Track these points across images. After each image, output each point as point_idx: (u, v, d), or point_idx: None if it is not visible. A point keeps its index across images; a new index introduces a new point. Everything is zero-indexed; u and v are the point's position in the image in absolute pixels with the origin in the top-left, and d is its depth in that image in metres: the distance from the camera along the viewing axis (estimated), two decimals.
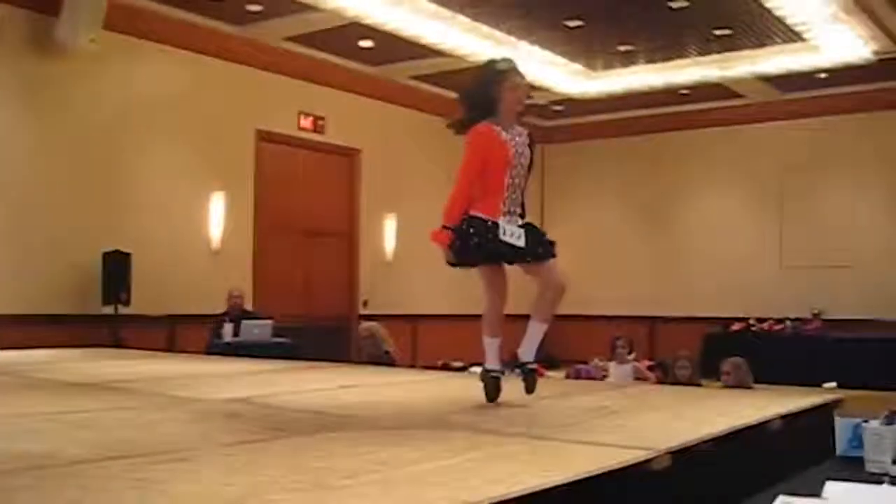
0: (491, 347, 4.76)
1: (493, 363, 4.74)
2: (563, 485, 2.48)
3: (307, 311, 11.87)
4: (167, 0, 10.24)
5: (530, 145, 4.46)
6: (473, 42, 11.50)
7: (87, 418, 3.96)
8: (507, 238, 4.32)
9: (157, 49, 10.52)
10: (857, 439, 3.25)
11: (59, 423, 3.80)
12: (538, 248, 4.40)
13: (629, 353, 9.38)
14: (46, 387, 5.32)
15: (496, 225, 4.31)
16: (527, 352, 4.71)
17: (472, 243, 4.36)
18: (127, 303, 9.66)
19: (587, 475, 2.59)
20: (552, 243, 4.47)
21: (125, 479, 2.56)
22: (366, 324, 8.96)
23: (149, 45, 10.43)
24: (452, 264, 4.61)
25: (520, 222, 4.40)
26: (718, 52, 12.16)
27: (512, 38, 11.62)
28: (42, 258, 9.42)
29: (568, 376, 8.93)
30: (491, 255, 4.45)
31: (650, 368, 9.77)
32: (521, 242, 4.35)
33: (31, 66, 9.50)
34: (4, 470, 2.64)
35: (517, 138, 4.41)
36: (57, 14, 9.36)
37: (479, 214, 4.35)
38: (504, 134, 4.37)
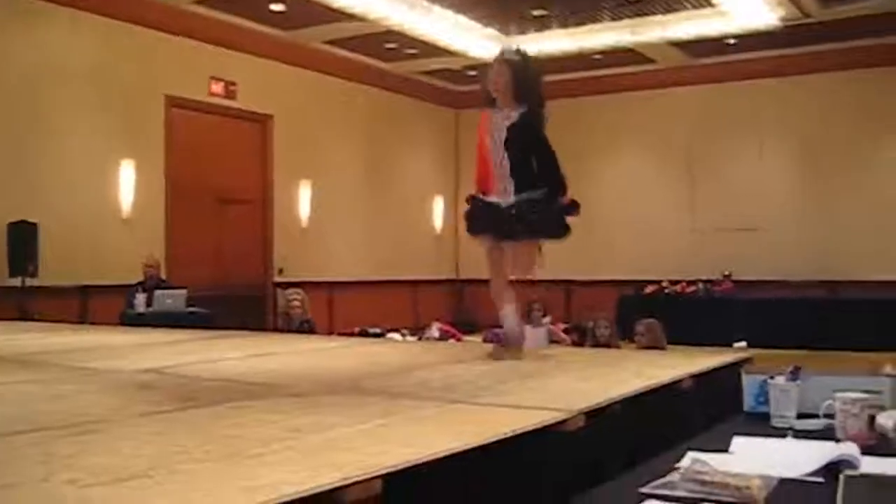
0: (503, 319, 4.85)
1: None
2: (478, 447, 2.49)
3: (222, 279, 11.74)
4: None
5: (514, 124, 4.67)
6: (386, 5, 11.42)
7: None
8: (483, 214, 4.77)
9: (64, 13, 10.25)
10: (763, 395, 3.32)
11: None
12: (503, 227, 4.69)
13: (543, 316, 9.47)
14: None
15: (483, 202, 4.78)
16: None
17: (467, 220, 4.92)
18: (34, 274, 9.44)
19: (502, 437, 2.60)
20: (521, 225, 4.65)
21: (32, 453, 2.50)
22: (293, 290, 8.93)
23: (56, 8, 10.17)
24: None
25: (510, 199, 4.66)
26: (630, 18, 12.28)
27: (425, 2, 11.56)
28: None
29: (485, 340, 8.99)
30: (478, 231, 4.86)
31: (566, 331, 9.89)
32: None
33: None
34: None
35: (499, 120, 4.73)
36: None
37: (475, 193, 4.90)
38: (493, 117, 4.77)
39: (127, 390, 3.87)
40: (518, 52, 4.89)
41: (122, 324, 9.15)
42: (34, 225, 9.50)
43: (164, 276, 10.39)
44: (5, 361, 5.12)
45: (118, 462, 2.36)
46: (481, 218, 4.79)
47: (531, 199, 4.64)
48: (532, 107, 4.75)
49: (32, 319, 9.05)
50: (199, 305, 9.58)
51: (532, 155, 4.71)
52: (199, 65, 11.84)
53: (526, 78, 4.73)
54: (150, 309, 9.35)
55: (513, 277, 4.88)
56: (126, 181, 10.85)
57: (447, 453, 2.38)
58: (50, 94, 10.19)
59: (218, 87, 12.08)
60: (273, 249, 12.90)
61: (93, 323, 9.45)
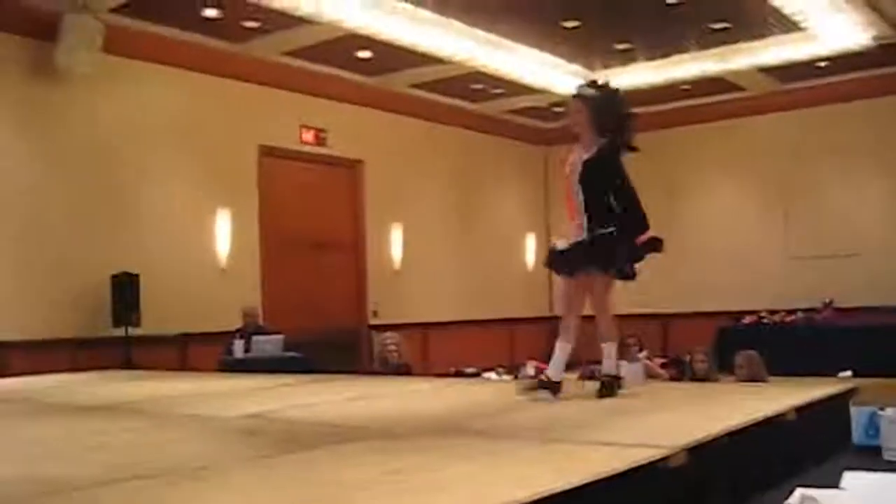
0: (556, 352, 4.78)
1: (549, 369, 4.83)
2: (579, 486, 2.47)
3: (317, 323, 11.86)
4: (164, 21, 10.27)
5: (589, 159, 4.70)
6: (471, 47, 11.53)
7: (102, 441, 3.96)
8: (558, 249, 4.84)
9: (156, 70, 10.55)
10: (873, 428, 3.23)
11: (74, 446, 3.81)
12: (570, 261, 4.77)
13: (640, 350, 9.35)
14: (60, 411, 5.32)
15: (562, 241, 4.85)
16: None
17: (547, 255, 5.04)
18: (137, 324, 9.68)
19: (603, 476, 2.58)
20: (577, 259, 4.72)
21: (142, 501, 2.56)
22: (389, 334, 8.98)
23: (147, 66, 10.46)
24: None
25: (583, 236, 4.70)
26: (717, 46, 12.16)
27: (508, 42, 11.64)
28: (50, 283, 9.44)
29: (581, 377, 8.91)
30: (548, 264, 5.04)
31: (664, 366, 9.74)
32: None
33: (31, 92, 9.54)
34: (24, 494, 2.65)
35: (578, 156, 4.75)
36: (55, 40, 9.39)
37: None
38: (575, 153, 4.81)
39: (230, 436, 3.94)
40: (597, 86, 4.82)
41: (222, 370, 9.31)
42: (136, 276, 9.76)
43: (261, 322, 10.56)
44: (113, 410, 5.26)
45: None
46: (553, 253, 4.89)
47: (601, 234, 4.63)
48: (611, 142, 4.72)
49: (136, 367, 9.28)
50: (295, 350, 9.69)
51: (609, 191, 4.69)
52: (290, 114, 12.07)
53: (604, 113, 4.72)
54: (249, 355, 9.51)
55: (588, 313, 4.82)
56: (222, 230, 11.09)
57: (551, 493, 2.37)
58: (147, 149, 10.49)
59: (309, 135, 12.30)
60: (367, 293, 13.02)
61: (193, 370, 9.64)
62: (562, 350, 4.73)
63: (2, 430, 4.51)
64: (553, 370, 4.73)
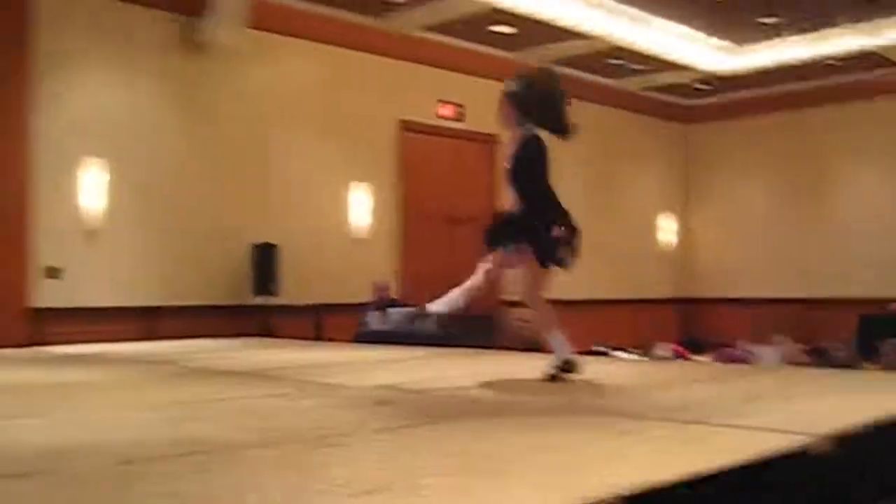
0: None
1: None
2: (719, 470, 2.43)
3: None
4: None
5: (513, 154, 4.80)
6: (611, 21, 11.37)
7: (244, 405, 4.09)
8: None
9: (297, 44, 10.76)
10: None
11: (217, 409, 3.94)
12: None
13: (779, 335, 9.12)
14: (205, 375, 5.51)
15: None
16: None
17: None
18: (275, 293, 9.93)
19: (741, 461, 2.52)
20: (489, 234, 4.92)
21: (283, 464, 2.63)
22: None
23: (289, 40, 10.68)
24: None
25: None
26: (870, 20, 11.66)
27: (649, 15, 11.44)
28: (195, 252, 9.78)
29: (716, 360, 8.75)
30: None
31: (803, 352, 9.48)
32: None
33: (177, 67, 9.85)
34: (169, 455, 2.75)
35: (508, 150, 4.88)
36: (200, 15, 9.68)
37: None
38: (507, 150, 4.93)
39: (365, 405, 4.01)
40: (519, 76, 4.82)
41: (356, 341, 9.47)
42: (275, 247, 10.02)
43: (395, 296, 10.68)
44: (253, 376, 5.42)
45: (362, 475, 2.45)
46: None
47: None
48: (532, 129, 4.75)
49: (273, 336, 9.54)
50: (429, 323, 9.73)
51: (533, 181, 4.79)
52: (428, 88, 12.15)
53: (525, 101, 4.73)
54: (384, 327, 9.62)
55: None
56: (360, 204, 11.26)
57: (688, 476, 2.34)
58: (288, 123, 10.73)
59: (446, 110, 12.36)
60: None
61: (328, 340, 9.84)
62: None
63: (150, 393, 4.69)
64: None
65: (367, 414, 3.74)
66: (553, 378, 4.68)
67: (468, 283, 4.93)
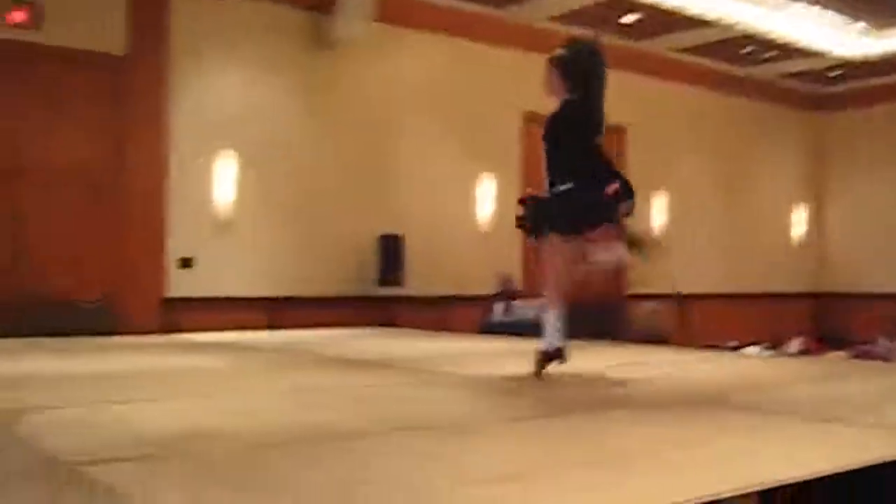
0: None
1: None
2: (858, 470, 2.33)
3: (578, 290, 11.81)
4: None
5: (552, 116, 4.67)
6: (741, 8, 11.07)
7: (372, 393, 4.12)
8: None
9: (423, 37, 10.82)
10: None
11: (345, 397, 3.98)
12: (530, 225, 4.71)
13: None
14: (332, 363, 5.59)
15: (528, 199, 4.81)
16: None
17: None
18: (401, 284, 10.02)
19: (877, 461, 2.41)
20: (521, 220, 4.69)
21: (414, 452, 2.63)
22: (648, 303, 8.85)
23: (415, 33, 10.74)
24: None
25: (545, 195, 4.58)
26: None
27: (782, 1, 11.10)
28: (323, 243, 9.94)
29: (853, 356, 8.45)
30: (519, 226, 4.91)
31: None
32: None
33: (308, 63, 10.02)
34: (298, 440, 2.79)
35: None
36: (328, 11, 9.83)
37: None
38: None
39: (493, 396, 4.00)
40: (566, 44, 4.73)
41: (481, 332, 9.48)
42: (400, 238, 10.11)
43: (519, 288, 10.64)
44: (379, 365, 5.46)
45: (493, 464, 2.43)
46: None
47: (555, 193, 4.46)
48: (576, 98, 4.55)
49: (398, 326, 9.62)
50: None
51: (569, 147, 4.50)
52: None
53: (571, 70, 4.60)
54: (509, 318, 9.62)
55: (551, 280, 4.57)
56: (484, 195, 11.26)
57: (823, 474, 2.24)
58: (413, 115, 10.80)
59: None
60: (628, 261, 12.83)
61: (452, 331, 9.88)
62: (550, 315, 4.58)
63: (278, 380, 4.78)
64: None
65: (495, 404, 3.73)
66: (540, 364, 4.47)
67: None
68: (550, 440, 2.82)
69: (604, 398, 3.83)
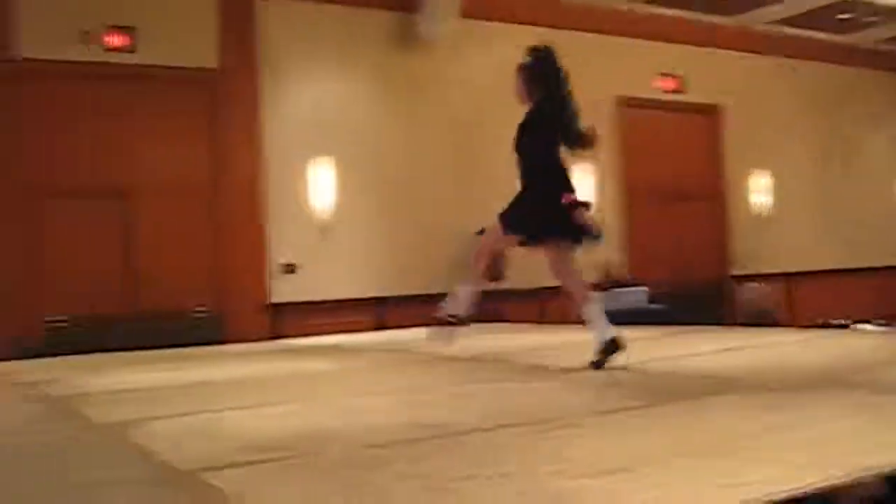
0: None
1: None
2: None
3: (680, 275, 11.66)
4: None
5: (520, 123, 4.92)
6: None
7: (476, 389, 4.13)
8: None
9: (508, 29, 10.76)
10: None
11: (450, 394, 3.99)
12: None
13: None
14: (436, 361, 5.60)
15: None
16: None
17: None
18: (501, 277, 10.00)
19: None
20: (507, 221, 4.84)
21: (518, 445, 2.62)
22: (754, 284, 8.68)
23: (500, 26, 10.70)
24: None
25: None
26: None
27: None
28: (422, 243, 9.98)
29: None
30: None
31: None
32: None
33: (396, 62, 10.07)
34: (410, 438, 2.80)
35: None
36: (415, 10, 9.86)
37: None
38: None
39: (596, 386, 3.95)
40: (530, 51, 4.89)
41: (581, 323, 9.39)
42: None
43: (622, 275, 10.54)
44: (480, 361, 5.47)
45: (598, 456, 2.40)
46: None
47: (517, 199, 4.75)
48: (540, 103, 4.78)
49: (502, 320, 9.61)
50: (658, 302, 9.61)
51: (534, 153, 4.77)
52: (646, 62, 11.87)
53: (534, 77, 4.83)
54: (611, 307, 9.52)
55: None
56: (581, 183, 11.12)
57: None
58: (503, 108, 10.70)
59: (666, 83, 12.05)
60: (730, 242, 12.61)
61: (551, 323, 9.82)
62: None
63: (385, 379, 4.81)
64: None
65: (596, 395, 3.69)
66: (596, 365, 4.48)
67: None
68: (655, 430, 2.78)
69: (711, 384, 3.75)
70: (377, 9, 9.97)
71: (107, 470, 2.65)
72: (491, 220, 10.15)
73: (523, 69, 4.88)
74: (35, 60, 8.39)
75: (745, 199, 12.80)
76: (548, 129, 4.74)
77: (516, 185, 4.85)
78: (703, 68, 12.26)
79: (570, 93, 4.82)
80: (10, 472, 2.73)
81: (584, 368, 4.57)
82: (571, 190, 4.62)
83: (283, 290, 9.25)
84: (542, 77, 4.81)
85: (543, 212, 4.62)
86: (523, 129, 4.83)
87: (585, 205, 4.65)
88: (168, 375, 5.42)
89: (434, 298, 9.68)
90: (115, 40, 8.69)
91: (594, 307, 4.68)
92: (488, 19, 10.57)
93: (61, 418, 3.88)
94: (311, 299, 9.32)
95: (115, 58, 8.71)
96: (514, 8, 10.72)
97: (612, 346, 4.49)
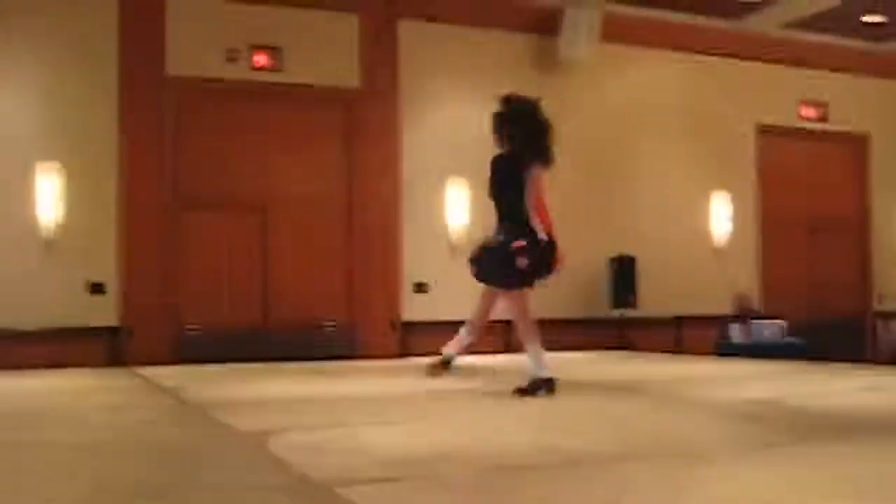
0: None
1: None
2: None
3: (816, 308, 11.29)
4: (657, 4, 10.32)
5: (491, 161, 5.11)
6: None
7: (608, 416, 4.07)
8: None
9: (649, 54, 10.67)
10: None
11: (581, 420, 3.95)
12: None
13: None
14: (567, 386, 5.55)
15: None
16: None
17: None
18: (634, 305, 9.87)
19: None
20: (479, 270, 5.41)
21: (656, 478, 2.57)
22: None
23: (641, 50, 10.62)
24: None
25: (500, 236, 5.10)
26: None
27: None
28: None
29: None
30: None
31: None
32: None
33: (535, 85, 10.06)
34: (537, 463, 2.77)
35: None
36: (555, 34, 9.87)
37: None
38: None
39: (734, 421, 3.85)
40: (504, 101, 5.18)
41: (717, 353, 9.20)
42: (633, 259, 9.97)
43: (755, 307, 10.29)
44: (613, 389, 5.39)
45: (744, 494, 2.33)
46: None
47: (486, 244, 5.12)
48: (511, 151, 5.04)
49: (632, 348, 9.47)
50: (794, 335, 9.34)
51: (501, 198, 5.09)
52: (788, 89, 11.58)
53: (508, 126, 5.09)
54: (747, 340, 9.31)
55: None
56: (718, 212, 10.92)
57: None
58: (642, 133, 10.62)
59: (809, 111, 11.71)
60: (872, 275, 12.15)
61: (687, 352, 9.63)
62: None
63: (513, 402, 4.78)
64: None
65: (736, 430, 3.59)
66: (521, 392, 4.75)
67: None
68: (802, 469, 2.68)
69: (852, 422, 3.61)
70: (516, 31, 10.01)
71: (242, 474, 2.72)
72: (625, 246, 10.08)
73: (497, 116, 5.16)
74: (181, 78, 8.72)
75: (889, 233, 12.33)
76: (512, 177, 5.09)
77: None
78: (849, 96, 11.88)
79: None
80: (147, 466, 2.82)
81: (726, 400, 4.45)
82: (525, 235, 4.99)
83: (414, 309, 9.34)
84: (509, 126, 5.12)
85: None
86: (495, 175, 5.12)
87: (527, 249, 4.99)
88: (304, 388, 5.53)
89: (566, 324, 9.69)
90: (262, 59, 8.97)
91: (538, 346, 5.01)
92: (629, 44, 10.48)
93: (200, 423, 3.99)
94: (442, 319, 9.36)
95: (260, 76, 8.98)
96: (654, 32, 10.60)
97: (543, 385, 4.77)
